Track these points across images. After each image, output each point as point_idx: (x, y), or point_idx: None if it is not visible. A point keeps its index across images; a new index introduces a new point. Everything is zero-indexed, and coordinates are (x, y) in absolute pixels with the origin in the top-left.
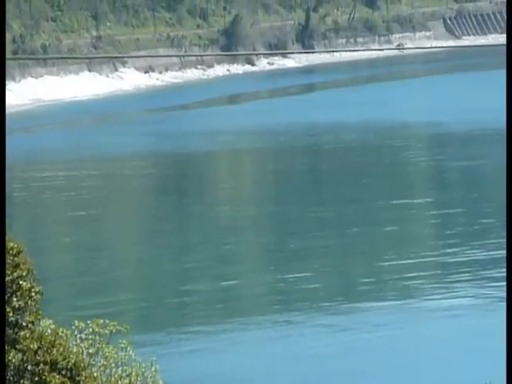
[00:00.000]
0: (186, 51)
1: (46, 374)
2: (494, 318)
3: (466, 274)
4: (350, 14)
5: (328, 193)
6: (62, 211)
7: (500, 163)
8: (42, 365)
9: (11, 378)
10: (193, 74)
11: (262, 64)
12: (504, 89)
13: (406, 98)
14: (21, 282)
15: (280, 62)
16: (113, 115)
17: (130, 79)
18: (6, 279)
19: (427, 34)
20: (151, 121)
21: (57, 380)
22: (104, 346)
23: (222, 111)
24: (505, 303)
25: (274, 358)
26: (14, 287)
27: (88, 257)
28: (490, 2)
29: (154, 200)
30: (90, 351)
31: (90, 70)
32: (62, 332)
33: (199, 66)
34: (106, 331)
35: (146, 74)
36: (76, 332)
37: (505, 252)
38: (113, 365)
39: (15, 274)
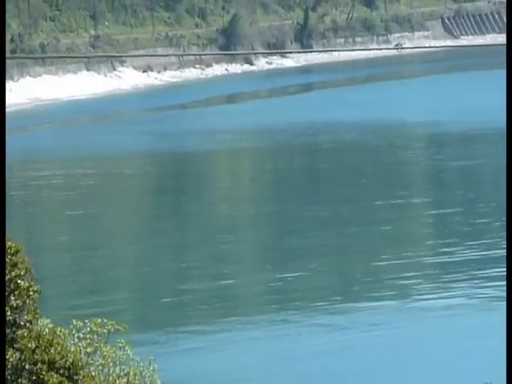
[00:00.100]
0: (184, 50)
1: (43, 373)
2: (490, 317)
3: (463, 274)
4: (349, 14)
5: (326, 192)
6: (60, 210)
7: (498, 163)
8: (39, 364)
9: (9, 377)
10: (191, 73)
11: (261, 63)
12: (503, 88)
13: (404, 97)
14: (19, 281)
15: (278, 62)
16: (111, 114)
17: (128, 78)
18: None
19: (426, 33)
20: (149, 120)
21: (55, 379)
22: (102, 345)
23: (221, 110)
24: (500, 302)
25: (271, 357)
26: (12, 286)
27: (85, 256)
28: (489, 2)
29: (152, 199)
30: (88, 350)
31: (88, 70)
32: (60, 331)
33: (198, 66)
34: (104, 330)
35: (145, 74)
36: (74, 331)
37: (502, 251)
38: (111, 364)
39: (13, 273)
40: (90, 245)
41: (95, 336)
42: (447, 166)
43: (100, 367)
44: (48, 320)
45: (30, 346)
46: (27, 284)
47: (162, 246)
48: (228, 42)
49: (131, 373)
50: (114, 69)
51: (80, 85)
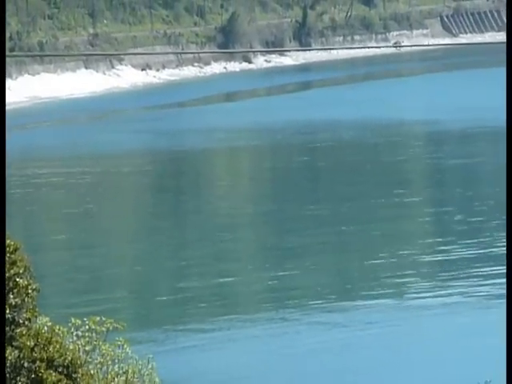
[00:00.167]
0: (182, 49)
1: (42, 371)
2: (486, 315)
3: (459, 272)
4: (347, 12)
5: (324, 190)
6: (59, 208)
7: (496, 161)
8: (38, 362)
9: (8, 375)
10: (190, 71)
11: (259, 62)
12: (501, 87)
13: (402, 95)
14: (17, 280)
15: (277, 60)
16: (109, 113)
17: (126, 77)
18: None
19: (424, 31)
20: (148, 118)
21: (53, 377)
22: (101, 343)
23: (219, 109)
24: (496, 300)
25: (269, 355)
26: (11, 284)
27: (84, 254)
28: (487, 0)
29: (150, 197)
30: (87, 348)
31: (86, 68)
32: (59, 329)
33: (196, 64)
34: (103, 328)
35: (143, 72)
36: (73, 329)
37: (500, 250)
38: (109, 362)
39: (12, 272)
40: (88, 243)
41: (94, 334)
42: (445, 164)
43: (99, 365)
44: (47, 318)
45: (28, 344)
46: (26, 282)
47: (161, 244)
48: (226, 41)
49: (130, 371)
50: (113, 67)
51: (78, 83)
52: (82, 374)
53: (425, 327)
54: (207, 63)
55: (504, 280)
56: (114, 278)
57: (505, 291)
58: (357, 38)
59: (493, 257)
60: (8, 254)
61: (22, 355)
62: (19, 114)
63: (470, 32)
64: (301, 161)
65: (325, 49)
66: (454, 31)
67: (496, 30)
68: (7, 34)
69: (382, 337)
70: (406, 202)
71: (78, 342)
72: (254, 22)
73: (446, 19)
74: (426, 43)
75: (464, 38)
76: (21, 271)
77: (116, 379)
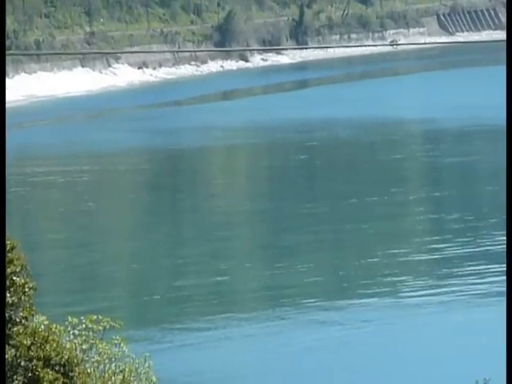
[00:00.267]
0: (179, 47)
1: (39, 369)
2: (481, 313)
3: (456, 270)
4: (344, 11)
5: (321, 189)
6: (55, 206)
7: (493, 160)
8: (35, 360)
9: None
10: (186, 70)
11: (256, 60)
12: (498, 85)
13: (399, 94)
14: (14, 278)
15: (274, 59)
16: (106, 111)
17: (123, 75)
18: None
19: (421, 30)
20: (145, 117)
21: (50, 376)
22: (97, 341)
23: (216, 107)
24: (493, 299)
25: (265, 353)
26: (8, 283)
27: (80, 252)
28: None
29: (147, 195)
30: (84, 347)
31: (83, 66)
32: (56, 328)
33: (193, 62)
34: (100, 327)
35: (140, 70)
36: (69, 328)
37: (498, 247)
38: (106, 361)
39: (9, 270)
40: (85, 241)
41: (91, 333)
42: (442, 162)
43: (95, 364)
44: (44, 317)
45: (25, 342)
46: (23, 281)
47: (158, 243)
48: (223, 39)
49: (127, 369)
50: (109, 65)
51: (75, 81)
52: (79, 373)
53: (419, 325)
54: (204, 62)
55: (497, 279)
56: (111, 276)
57: (497, 290)
58: (353, 36)
59: (488, 254)
60: None
61: (18, 354)
62: (16, 113)
63: (467, 30)
64: (297, 159)
65: (321, 47)
66: (450, 29)
67: (493, 28)
68: None
69: (380, 335)
70: (402, 200)
71: (75, 341)
72: (250, 21)
73: (442, 17)
74: (423, 41)
75: (461, 37)
76: (18, 270)
77: (113, 378)
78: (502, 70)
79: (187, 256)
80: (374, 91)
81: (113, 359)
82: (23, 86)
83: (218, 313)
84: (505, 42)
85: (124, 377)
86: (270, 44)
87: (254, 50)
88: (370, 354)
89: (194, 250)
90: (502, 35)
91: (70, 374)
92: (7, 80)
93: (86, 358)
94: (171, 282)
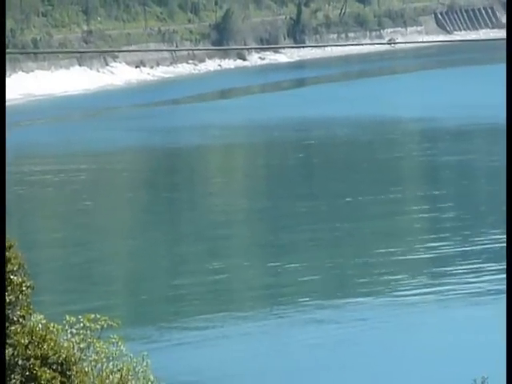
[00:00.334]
0: (177, 46)
1: (36, 368)
2: (479, 311)
3: (452, 267)
4: (342, 9)
5: (319, 187)
6: (52, 205)
7: (490, 158)
8: (32, 359)
9: None
10: (184, 68)
11: (254, 59)
12: (495, 83)
13: (396, 92)
14: (12, 277)
15: (271, 57)
16: (103, 110)
17: (120, 74)
18: None
19: (418, 28)
20: (142, 116)
21: (47, 374)
22: (95, 340)
23: (214, 106)
24: (491, 296)
25: (262, 351)
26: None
27: (78, 250)
28: None
29: (145, 194)
30: (81, 346)
31: (80, 65)
32: (53, 327)
33: (190, 61)
34: (97, 326)
35: (137, 69)
36: (67, 327)
37: (495, 245)
38: (104, 359)
39: (6, 269)
40: (82, 240)
41: (88, 331)
42: (440, 160)
43: (93, 363)
44: (41, 316)
45: (22, 341)
46: (20, 279)
47: (155, 241)
48: (221, 38)
49: (124, 368)
50: (107, 64)
51: (72, 80)
52: (77, 372)
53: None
54: (201, 60)
55: (491, 277)
56: (108, 274)
57: (490, 288)
58: (351, 35)
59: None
60: None
61: (16, 353)
62: (13, 112)
63: (464, 29)
64: (295, 158)
65: (319, 46)
66: (448, 28)
67: (490, 27)
68: None
69: (376, 332)
70: (400, 199)
71: (73, 340)
72: (248, 19)
73: (440, 16)
74: (421, 40)
75: (458, 35)
76: (15, 268)
77: (110, 377)
78: (500, 68)
79: (184, 254)
80: (371, 90)
81: (110, 358)
82: (20, 85)
83: (215, 311)
84: (502, 41)
85: (122, 376)
86: (268, 43)
87: (251, 48)
88: (364, 352)
89: (191, 249)
90: (499, 34)
91: (68, 372)
92: None
93: (84, 357)
94: (169, 281)
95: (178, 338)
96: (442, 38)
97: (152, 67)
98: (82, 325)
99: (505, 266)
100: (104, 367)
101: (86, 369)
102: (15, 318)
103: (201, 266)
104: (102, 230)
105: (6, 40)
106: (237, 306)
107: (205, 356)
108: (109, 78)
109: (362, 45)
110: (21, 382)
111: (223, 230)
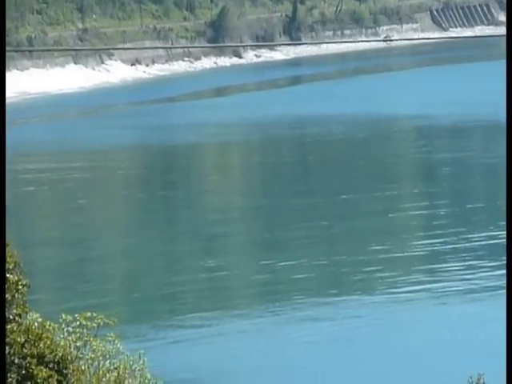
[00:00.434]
0: (172, 43)
1: (32, 367)
2: (476, 308)
3: (449, 264)
4: (337, 7)
5: (315, 185)
6: (49, 204)
7: (486, 155)
8: (28, 358)
9: None
10: (180, 66)
11: (249, 56)
12: (490, 81)
13: (392, 90)
14: (7, 275)
15: (267, 55)
16: (99, 108)
17: (116, 72)
18: None
19: (414, 26)
20: (138, 113)
21: (44, 373)
22: (91, 338)
23: (209, 104)
24: (490, 293)
25: (259, 349)
26: None
27: (73, 249)
28: None
29: (140, 192)
30: (78, 344)
31: (75, 63)
32: (49, 325)
33: (186, 59)
34: (94, 324)
35: (133, 67)
36: (63, 325)
37: (493, 241)
38: (100, 358)
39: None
40: (79, 238)
41: (85, 330)
42: (436, 158)
43: (90, 361)
44: (37, 314)
45: (18, 340)
46: (16, 278)
47: (151, 239)
48: (216, 35)
49: (121, 367)
50: (102, 62)
51: (68, 78)
52: (73, 370)
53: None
54: (197, 58)
55: (485, 274)
56: (104, 272)
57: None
58: (347, 32)
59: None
60: None
61: (12, 351)
62: (8, 110)
63: (460, 26)
64: (291, 155)
65: (315, 43)
66: (443, 25)
67: (486, 23)
68: None
69: (374, 331)
70: (396, 196)
71: (69, 338)
72: (243, 17)
73: (435, 13)
74: (416, 37)
75: (454, 32)
76: (11, 267)
77: (107, 375)
78: (495, 65)
79: (180, 252)
80: (367, 87)
81: (107, 356)
82: (15, 83)
83: (210, 309)
84: (497, 38)
85: (118, 374)
86: (264, 40)
87: (247, 45)
88: (359, 349)
89: (186, 246)
90: (494, 30)
91: (64, 371)
92: None
93: (80, 355)
94: (164, 279)
95: (173, 336)
96: (437, 34)
97: (147, 65)
98: (78, 323)
99: (499, 263)
100: (101, 365)
101: (83, 367)
102: (11, 317)
103: (196, 263)
104: (97, 228)
105: None
106: (232, 304)
107: (201, 354)
108: (104, 76)
109: (358, 42)
110: (17, 380)
111: (219, 228)
